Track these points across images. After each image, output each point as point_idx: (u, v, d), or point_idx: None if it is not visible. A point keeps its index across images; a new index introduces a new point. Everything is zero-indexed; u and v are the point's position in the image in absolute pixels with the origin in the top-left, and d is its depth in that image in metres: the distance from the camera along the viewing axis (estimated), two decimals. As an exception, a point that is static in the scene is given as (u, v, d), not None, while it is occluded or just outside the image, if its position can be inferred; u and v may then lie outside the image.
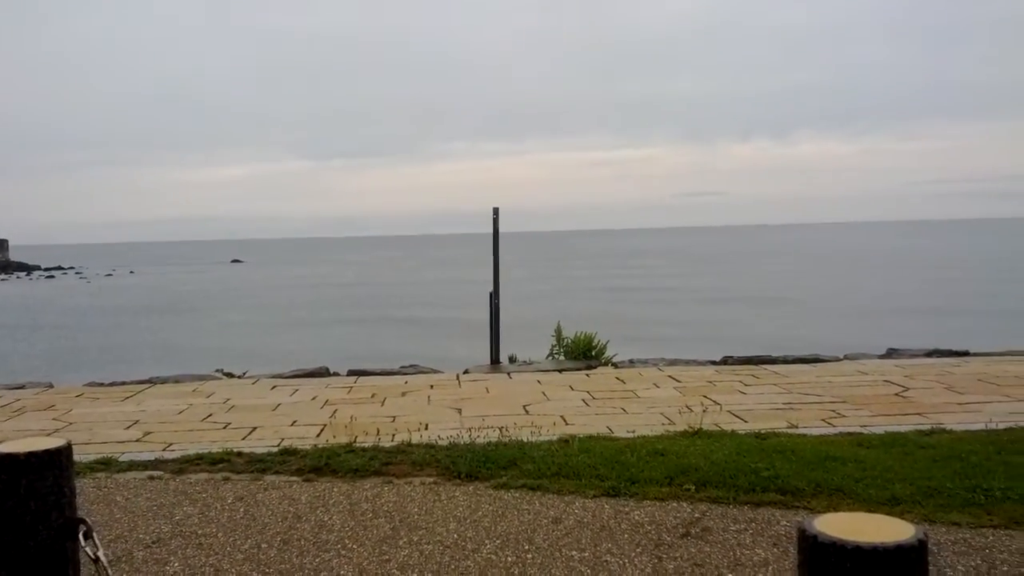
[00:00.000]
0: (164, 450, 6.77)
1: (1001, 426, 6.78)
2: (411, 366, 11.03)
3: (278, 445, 6.77)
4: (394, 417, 7.82)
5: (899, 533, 1.88)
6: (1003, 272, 50.79)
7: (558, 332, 11.74)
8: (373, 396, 8.90)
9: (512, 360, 11.52)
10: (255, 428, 7.50)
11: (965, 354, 10.80)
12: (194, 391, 9.45)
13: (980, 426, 6.79)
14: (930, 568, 4.15)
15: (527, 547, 4.52)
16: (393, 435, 7.03)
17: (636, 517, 4.94)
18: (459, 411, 8.04)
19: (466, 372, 10.50)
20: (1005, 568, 4.17)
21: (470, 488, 5.55)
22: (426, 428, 7.31)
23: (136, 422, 7.87)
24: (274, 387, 9.61)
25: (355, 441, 6.76)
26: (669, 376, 9.71)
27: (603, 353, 11.32)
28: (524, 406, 8.19)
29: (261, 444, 6.86)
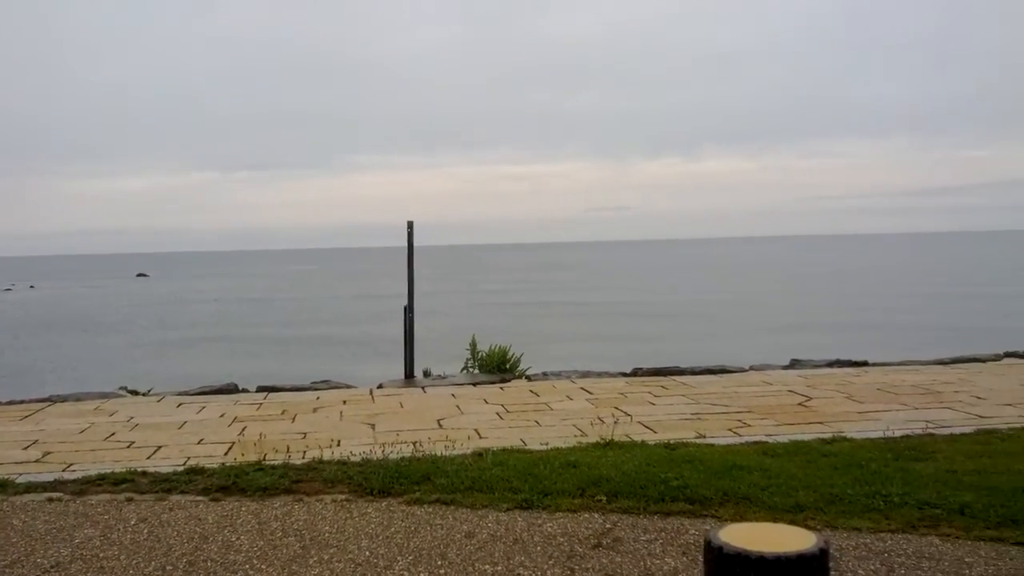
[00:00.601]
0: (64, 471, 6.53)
1: (898, 433, 7.04)
2: (323, 381, 10.89)
3: (184, 464, 6.60)
4: (305, 434, 7.71)
5: (801, 542, 1.94)
6: (897, 286, 52.82)
7: (473, 346, 11.76)
8: (283, 413, 8.76)
9: (427, 374, 11.48)
10: (160, 447, 7.30)
11: (864, 364, 11.21)
12: (96, 409, 9.15)
13: (879, 434, 7.04)
14: (833, 573, 4.29)
15: (440, 562, 4.51)
16: (304, 452, 6.93)
17: (549, 529, 4.97)
18: (372, 426, 7.97)
19: (380, 387, 10.43)
20: (903, 571, 4.32)
21: (383, 504, 5.50)
22: (338, 444, 7.22)
23: (35, 442, 7.57)
24: (180, 405, 9.38)
25: (264, 459, 6.65)
26: (582, 388, 9.82)
27: (517, 366, 11.38)
28: (438, 420, 8.17)
29: (166, 463, 6.68)
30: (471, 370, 11.51)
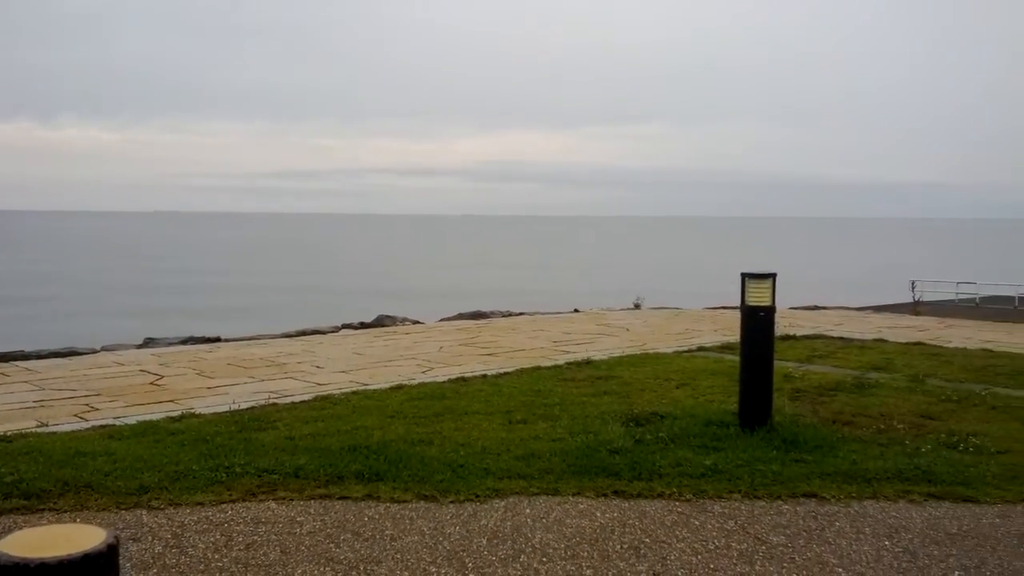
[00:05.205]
0: None
1: (245, 406, 7.40)
2: None
3: None
4: None
5: (89, 541, 1.89)
6: (254, 264, 55.10)
7: None
8: None
9: None
10: None
11: (217, 340, 11.55)
12: None
13: (226, 408, 7.32)
14: (175, 551, 4.37)
15: None
16: None
17: None
18: None
19: None
20: (241, 538, 4.52)
21: None
22: None
23: None
24: None
25: None
26: None
27: None
28: None
29: None
30: None
